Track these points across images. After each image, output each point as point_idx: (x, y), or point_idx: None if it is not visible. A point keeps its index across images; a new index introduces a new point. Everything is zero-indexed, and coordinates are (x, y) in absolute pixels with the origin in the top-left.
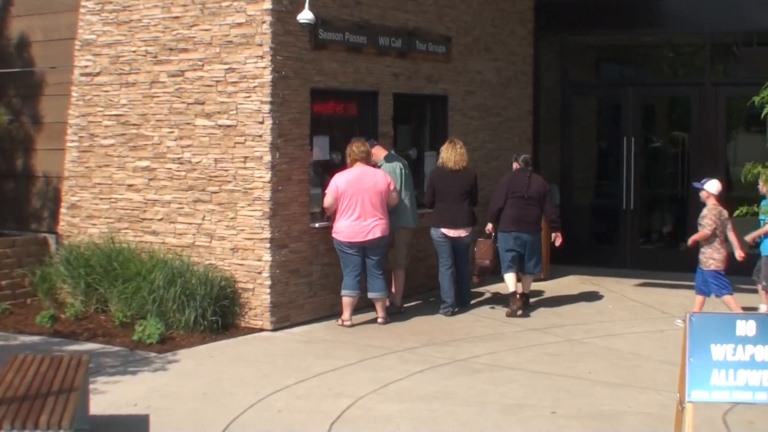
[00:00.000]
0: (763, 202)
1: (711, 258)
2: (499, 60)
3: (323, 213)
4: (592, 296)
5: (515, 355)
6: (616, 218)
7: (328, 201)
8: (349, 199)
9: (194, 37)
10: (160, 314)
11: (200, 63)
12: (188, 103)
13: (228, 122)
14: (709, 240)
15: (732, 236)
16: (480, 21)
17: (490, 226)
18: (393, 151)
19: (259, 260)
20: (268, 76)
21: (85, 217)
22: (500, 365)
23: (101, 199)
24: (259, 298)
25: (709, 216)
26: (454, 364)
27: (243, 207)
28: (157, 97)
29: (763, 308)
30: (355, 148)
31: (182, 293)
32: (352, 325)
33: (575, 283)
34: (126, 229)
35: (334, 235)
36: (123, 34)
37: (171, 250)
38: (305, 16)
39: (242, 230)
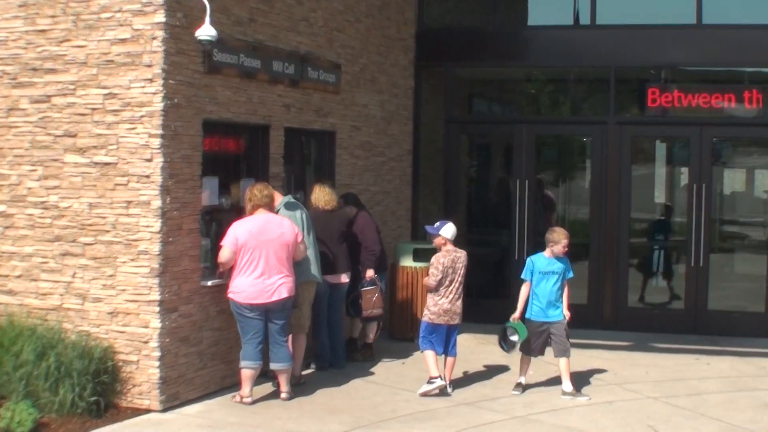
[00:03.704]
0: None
1: (427, 308)
2: (384, 92)
3: (216, 269)
4: (503, 360)
5: None
6: (507, 270)
7: (225, 255)
8: (251, 252)
9: (65, 55)
10: (27, 395)
11: (72, 87)
12: (56, 136)
13: (106, 159)
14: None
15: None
16: (367, 48)
17: (371, 272)
18: (291, 196)
19: (146, 327)
20: (158, 104)
21: None
22: None
23: None
24: (145, 373)
25: (436, 264)
26: None
27: (125, 262)
28: (16, 127)
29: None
30: (257, 191)
31: (56, 369)
32: (253, 402)
33: (475, 345)
34: None
35: (231, 295)
36: None
37: (33, 314)
38: (206, 32)
39: (123, 290)
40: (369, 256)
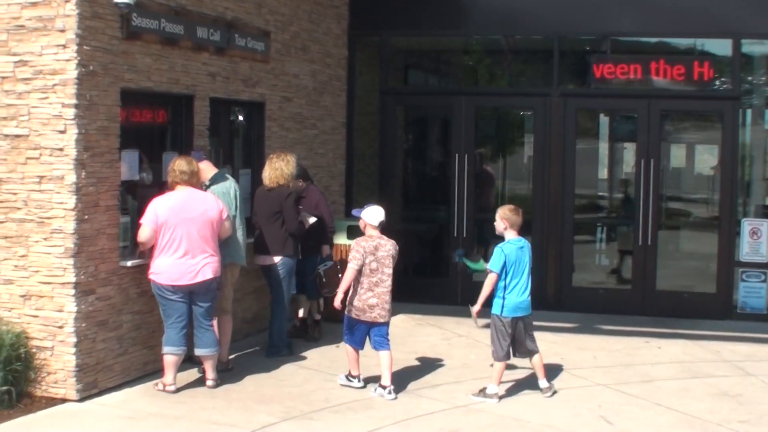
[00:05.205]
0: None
1: (350, 302)
2: (315, 62)
3: (135, 247)
4: (442, 344)
5: None
6: (446, 247)
7: (145, 233)
8: (172, 230)
9: None
10: None
11: None
12: None
13: (17, 131)
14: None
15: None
16: (297, 15)
17: (328, 248)
18: (225, 170)
19: (60, 311)
20: (72, 72)
21: None
22: None
23: None
24: (60, 360)
25: (356, 248)
26: None
27: (38, 242)
28: None
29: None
30: (179, 165)
31: None
32: (177, 390)
33: (412, 326)
34: None
35: (152, 276)
36: None
37: None
38: None
39: (36, 272)
40: (327, 233)
